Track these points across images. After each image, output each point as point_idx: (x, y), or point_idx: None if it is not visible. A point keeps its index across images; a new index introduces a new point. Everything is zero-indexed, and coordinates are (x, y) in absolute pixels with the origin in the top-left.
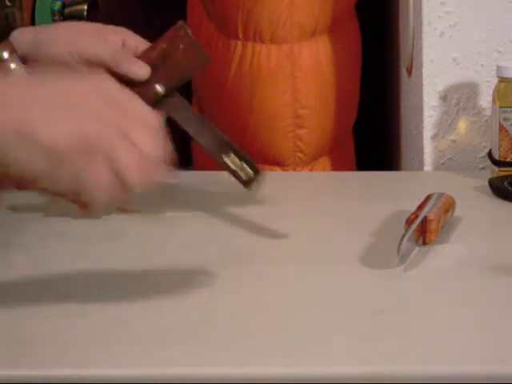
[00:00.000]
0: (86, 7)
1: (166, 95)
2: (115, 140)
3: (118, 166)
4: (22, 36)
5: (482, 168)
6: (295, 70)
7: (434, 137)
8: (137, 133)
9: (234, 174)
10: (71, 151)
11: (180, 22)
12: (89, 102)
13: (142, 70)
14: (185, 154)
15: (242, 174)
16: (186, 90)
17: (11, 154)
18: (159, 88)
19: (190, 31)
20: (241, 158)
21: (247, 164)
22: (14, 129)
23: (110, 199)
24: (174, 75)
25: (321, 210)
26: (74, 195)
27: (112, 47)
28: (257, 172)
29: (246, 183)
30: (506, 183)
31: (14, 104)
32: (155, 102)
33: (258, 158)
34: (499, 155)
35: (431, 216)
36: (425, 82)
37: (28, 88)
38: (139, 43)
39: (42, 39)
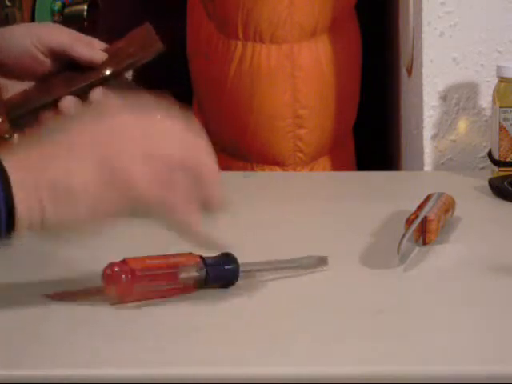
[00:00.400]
0: (85, 7)
1: (115, 78)
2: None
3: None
4: None
5: (482, 168)
6: (295, 69)
7: (434, 137)
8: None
9: None
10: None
11: (146, 24)
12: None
13: (97, 54)
14: None
15: None
16: (185, 89)
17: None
18: (108, 71)
19: (151, 28)
20: None
21: None
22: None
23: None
24: (123, 59)
25: (321, 210)
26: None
27: (73, 35)
28: None
29: None
30: (506, 183)
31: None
32: (102, 82)
33: (258, 157)
34: (499, 155)
35: (431, 216)
36: (425, 82)
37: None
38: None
39: (5, 36)
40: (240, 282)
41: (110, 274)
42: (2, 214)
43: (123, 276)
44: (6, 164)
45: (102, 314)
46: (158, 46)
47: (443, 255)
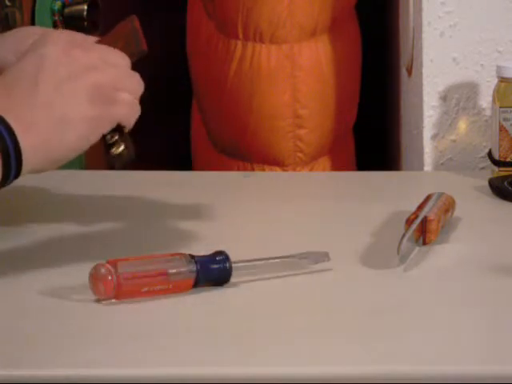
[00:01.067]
0: (85, 7)
1: None
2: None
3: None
4: None
5: (482, 168)
6: (295, 69)
7: (434, 137)
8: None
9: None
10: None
11: (132, 16)
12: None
13: None
14: (185, 153)
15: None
16: (185, 89)
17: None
18: None
19: (137, 24)
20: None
21: (125, 144)
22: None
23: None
24: None
25: (321, 209)
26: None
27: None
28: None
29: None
30: (506, 183)
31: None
32: None
33: (258, 157)
34: (499, 155)
35: (431, 216)
36: (425, 82)
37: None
38: None
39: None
40: (235, 280)
41: (96, 275)
42: (11, 152)
43: (109, 277)
44: None
45: (102, 313)
46: (142, 49)
47: (443, 255)
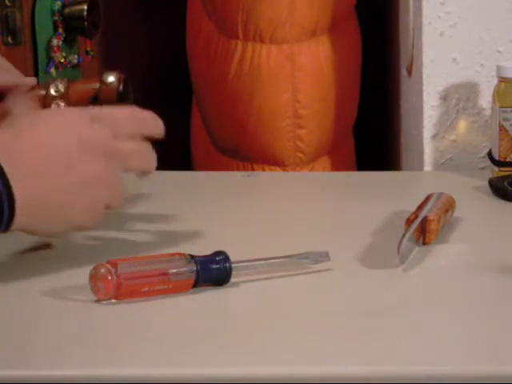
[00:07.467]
0: (86, 7)
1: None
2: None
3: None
4: None
5: (482, 168)
6: (295, 69)
7: (434, 137)
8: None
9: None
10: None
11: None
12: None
13: (24, 80)
14: (185, 154)
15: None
16: (186, 90)
17: (35, 228)
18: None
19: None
20: None
21: None
22: (50, 214)
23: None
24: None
25: (321, 209)
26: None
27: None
28: None
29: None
30: (505, 183)
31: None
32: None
33: (258, 157)
34: (499, 155)
35: (431, 216)
36: (425, 82)
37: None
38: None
39: None
40: (235, 280)
41: (96, 275)
42: (4, 200)
43: (109, 277)
44: None
45: (103, 313)
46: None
47: (443, 255)
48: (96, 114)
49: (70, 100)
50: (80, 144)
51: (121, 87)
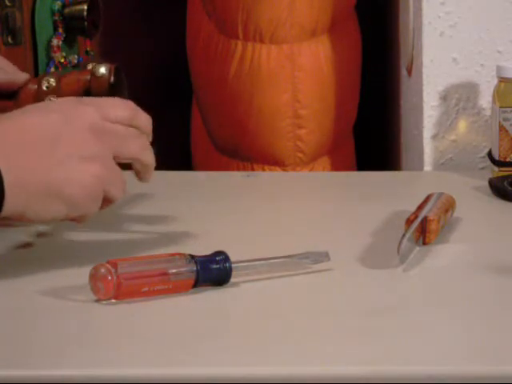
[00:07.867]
0: (86, 7)
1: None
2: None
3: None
4: None
5: (482, 168)
6: (295, 69)
7: (434, 137)
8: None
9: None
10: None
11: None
12: (80, 143)
13: (18, 76)
14: (185, 154)
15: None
16: (186, 89)
17: (32, 209)
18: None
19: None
20: None
21: None
22: (43, 191)
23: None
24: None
25: (321, 209)
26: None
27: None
28: None
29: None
30: (505, 183)
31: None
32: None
33: (258, 157)
34: (499, 155)
35: (431, 216)
36: (425, 82)
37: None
38: None
39: None
40: (235, 280)
41: (96, 275)
42: None
43: (109, 277)
44: None
45: (103, 313)
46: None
47: (443, 255)
48: (86, 99)
49: (63, 93)
50: (66, 119)
51: (112, 78)
